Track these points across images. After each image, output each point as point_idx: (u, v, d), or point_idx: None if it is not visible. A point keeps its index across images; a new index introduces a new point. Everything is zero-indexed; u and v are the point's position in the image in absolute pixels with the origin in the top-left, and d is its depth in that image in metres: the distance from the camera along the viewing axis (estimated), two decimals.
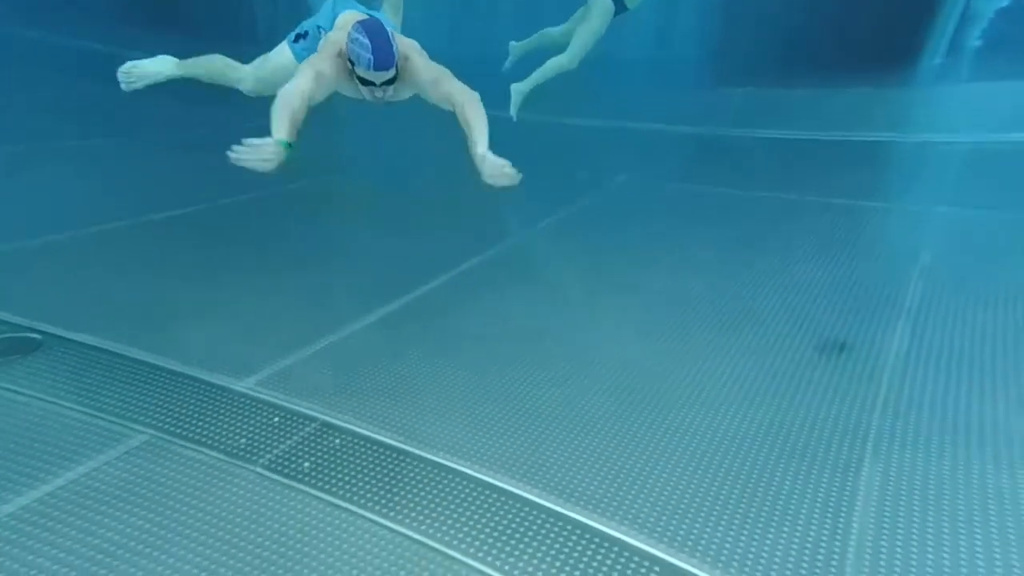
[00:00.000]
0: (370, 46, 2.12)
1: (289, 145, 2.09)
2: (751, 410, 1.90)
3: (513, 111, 4.51)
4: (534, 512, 1.49)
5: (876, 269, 2.86)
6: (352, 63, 2.20)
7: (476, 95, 2.34)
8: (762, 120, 5.46)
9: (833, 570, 1.35)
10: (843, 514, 1.51)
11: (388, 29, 2.26)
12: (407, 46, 2.36)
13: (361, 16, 2.45)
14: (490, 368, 2.07)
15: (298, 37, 2.67)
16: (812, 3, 6.61)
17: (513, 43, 4.98)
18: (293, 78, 2.23)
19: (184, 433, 1.70)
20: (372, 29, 2.17)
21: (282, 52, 2.70)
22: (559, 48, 4.61)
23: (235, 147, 2.01)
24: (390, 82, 2.21)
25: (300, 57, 2.53)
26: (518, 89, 4.50)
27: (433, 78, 2.34)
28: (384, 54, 2.15)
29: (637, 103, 5.94)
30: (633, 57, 6.49)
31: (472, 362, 2.10)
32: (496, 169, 2.17)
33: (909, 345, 2.26)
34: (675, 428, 1.81)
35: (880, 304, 2.53)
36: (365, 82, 2.22)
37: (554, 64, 4.50)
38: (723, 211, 3.68)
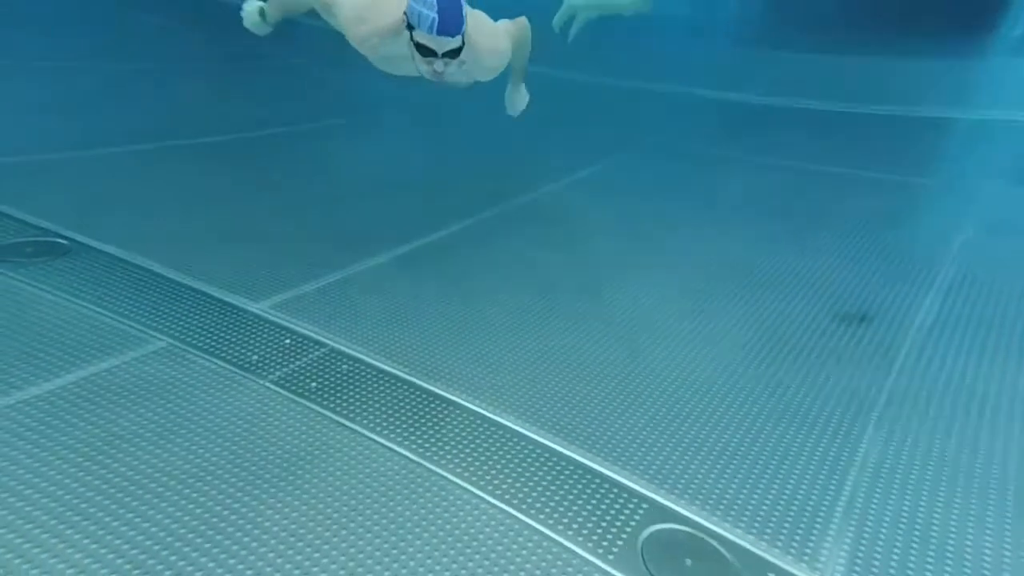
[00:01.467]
0: (435, 4, 1.74)
1: (264, 17, 2.16)
2: (760, 369, 1.91)
3: (557, 22, 4.30)
4: (524, 443, 1.53)
5: (914, 243, 2.81)
6: (410, 26, 1.78)
7: (519, 24, 2.12)
8: (809, 89, 5.21)
9: (820, 520, 1.38)
10: (838, 471, 1.52)
11: None
12: (477, 19, 1.96)
13: None
14: (499, 310, 2.10)
15: None
16: None
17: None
18: None
19: (200, 344, 1.76)
20: None
21: None
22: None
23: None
24: (454, 53, 1.80)
25: None
26: (574, 3, 4.28)
27: (497, 52, 1.99)
28: (452, 15, 1.76)
29: (677, 64, 5.72)
30: (674, 14, 6.18)
31: (481, 304, 2.13)
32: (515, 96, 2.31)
33: (935, 319, 2.23)
34: (682, 381, 1.83)
35: (912, 278, 2.49)
36: (424, 50, 1.79)
37: (621, 4, 4.32)
38: (760, 180, 3.61)
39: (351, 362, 1.79)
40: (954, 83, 5.11)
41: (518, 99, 2.35)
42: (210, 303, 1.97)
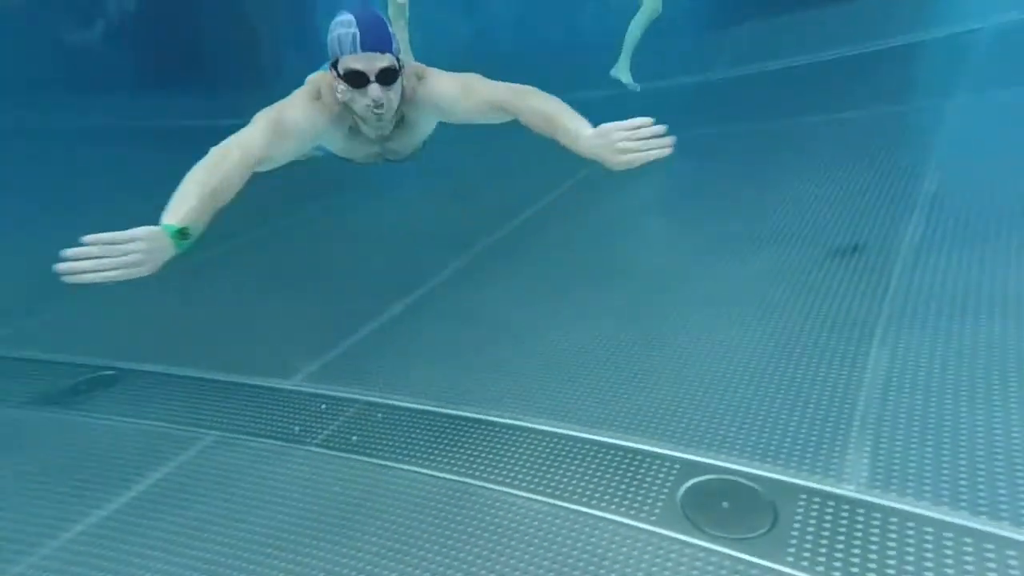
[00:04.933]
0: (353, 20, 1.57)
1: (183, 233, 1.38)
2: (762, 314, 1.99)
3: (633, 85, 4.55)
4: (555, 440, 1.64)
5: (892, 170, 2.85)
6: (336, 68, 1.60)
7: (530, 86, 1.74)
8: (769, 51, 5.32)
9: (840, 438, 1.44)
10: (850, 392, 1.59)
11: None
12: (416, 65, 1.84)
13: None
14: (509, 322, 2.23)
15: None
16: None
17: (612, 73, 4.76)
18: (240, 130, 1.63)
19: (246, 429, 1.92)
20: (354, 8, 1.63)
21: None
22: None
23: (74, 250, 1.24)
24: (389, 79, 1.59)
25: None
26: (619, 69, 4.52)
27: (462, 86, 1.76)
28: (374, 26, 1.58)
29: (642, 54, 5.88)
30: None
31: (491, 321, 2.26)
32: (627, 136, 1.50)
33: (922, 236, 2.28)
34: (689, 342, 1.94)
35: (896, 202, 2.55)
36: (356, 80, 1.57)
37: (637, 23, 4.46)
38: (730, 146, 3.71)
39: (384, 410, 1.92)
40: (890, 12, 5.18)
41: (622, 136, 1.52)
42: (249, 391, 2.13)
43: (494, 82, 1.77)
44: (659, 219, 3.00)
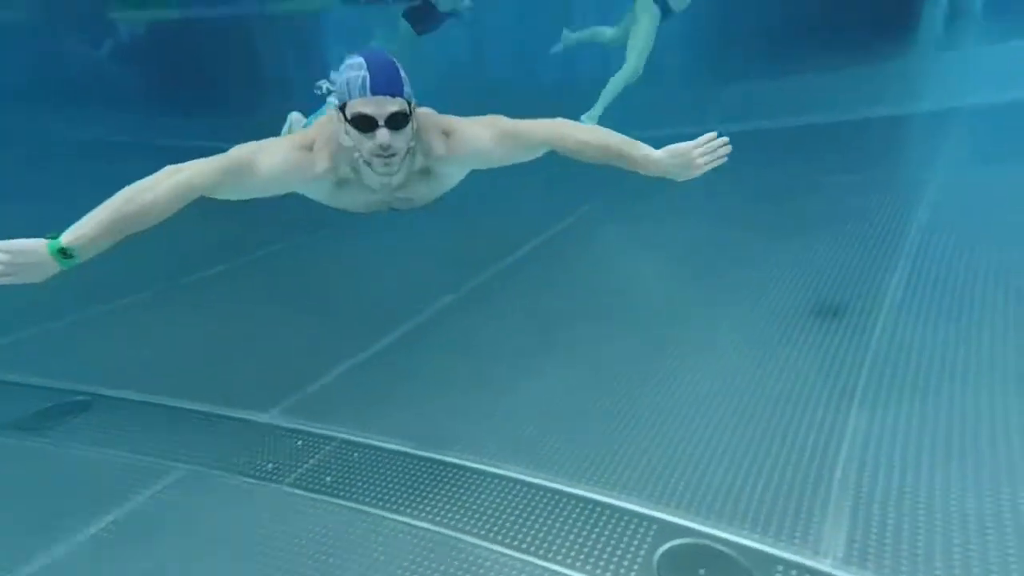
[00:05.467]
0: (364, 63, 1.49)
1: (66, 253, 1.38)
2: (742, 371, 1.99)
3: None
4: (532, 491, 1.61)
5: (875, 233, 2.89)
6: (342, 110, 1.52)
7: (559, 119, 1.76)
8: (756, 112, 5.52)
9: (818, 506, 1.43)
10: (829, 457, 1.58)
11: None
12: (439, 117, 1.74)
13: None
14: (492, 367, 2.21)
15: None
16: None
17: (566, 31, 4.99)
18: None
19: (218, 463, 1.87)
20: (364, 51, 1.56)
21: None
22: (604, 49, 4.71)
23: None
24: (399, 123, 1.50)
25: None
26: (590, 116, 4.56)
27: (494, 132, 1.69)
28: (386, 69, 1.50)
29: (632, 106, 6.04)
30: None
31: (475, 363, 2.24)
32: (703, 151, 1.67)
33: (902, 298, 2.31)
34: (669, 397, 1.92)
35: (878, 264, 2.58)
36: (364, 124, 1.49)
37: (618, 80, 4.55)
38: (724, 198, 3.76)
39: (361, 449, 1.88)
40: (883, 83, 5.43)
41: (661, 168, 1.71)
42: (224, 422, 2.09)
43: (522, 121, 1.73)
44: (649, 264, 3.02)
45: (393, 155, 1.53)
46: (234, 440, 1.99)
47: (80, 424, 2.13)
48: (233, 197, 1.64)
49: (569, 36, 5.02)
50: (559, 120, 1.75)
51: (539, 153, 1.77)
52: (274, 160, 1.60)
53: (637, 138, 1.74)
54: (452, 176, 1.82)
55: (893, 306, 2.27)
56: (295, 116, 2.80)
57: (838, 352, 2.04)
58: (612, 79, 4.59)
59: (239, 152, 1.60)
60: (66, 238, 1.40)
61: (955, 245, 2.66)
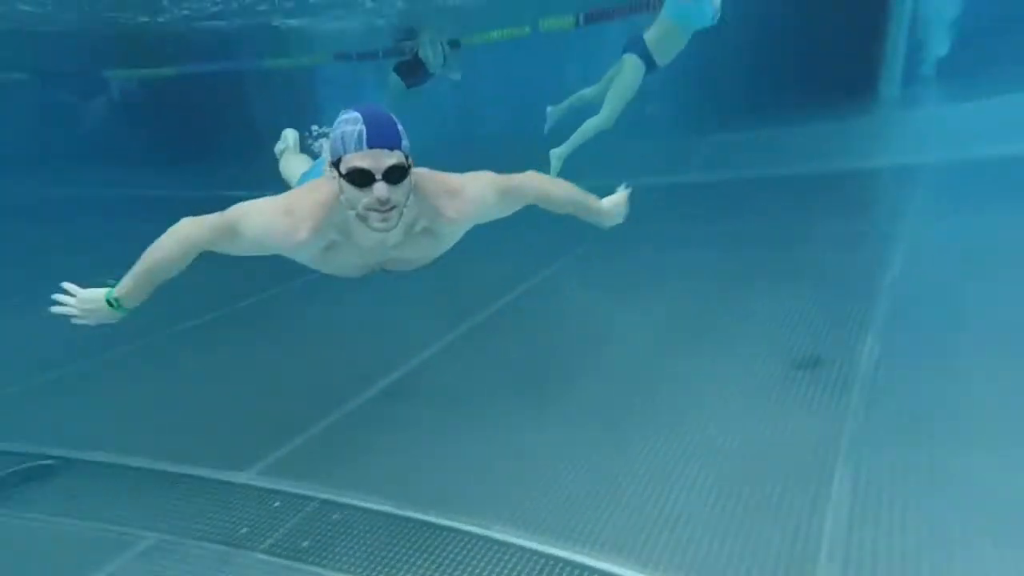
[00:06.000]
0: (360, 116, 1.43)
1: (117, 302, 1.62)
2: (725, 429, 1.91)
3: (554, 165, 4.61)
4: (519, 554, 1.51)
5: (845, 287, 2.87)
6: (337, 166, 1.46)
7: (532, 172, 1.82)
8: (733, 161, 5.74)
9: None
10: (815, 529, 1.50)
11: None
12: (440, 176, 1.67)
13: None
14: (473, 423, 2.12)
15: None
16: (771, 46, 7.11)
17: (549, 108, 5.04)
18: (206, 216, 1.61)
19: (188, 530, 1.75)
20: (360, 106, 1.50)
21: None
22: (594, 109, 4.67)
23: (60, 295, 1.63)
24: (397, 177, 1.44)
25: None
26: (557, 154, 4.57)
27: (496, 189, 1.69)
28: (383, 122, 1.45)
29: (615, 157, 6.20)
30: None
31: (456, 420, 2.15)
32: (622, 205, 2.03)
33: (880, 353, 2.26)
34: (653, 459, 1.84)
35: (854, 318, 2.54)
36: (360, 179, 1.42)
37: (591, 125, 4.56)
38: (688, 253, 3.75)
39: (342, 510, 1.77)
40: (847, 139, 5.65)
41: (610, 217, 2.00)
42: (197, 483, 1.97)
43: (513, 177, 1.75)
44: (627, 315, 2.88)
45: (392, 208, 1.46)
46: (208, 503, 1.87)
47: (43, 491, 2.01)
48: (233, 253, 1.64)
49: (554, 111, 5.04)
50: (536, 174, 1.83)
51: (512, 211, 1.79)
52: (256, 224, 1.57)
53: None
54: (454, 235, 1.74)
55: (872, 359, 2.22)
56: (290, 133, 2.77)
57: (820, 404, 1.99)
58: (587, 122, 4.60)
59: (231, 213, 1.59)
60: (116, 290, 1.63)
61: (930, 294, 2.66)
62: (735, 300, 2.89)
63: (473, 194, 1.65)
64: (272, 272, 3.79)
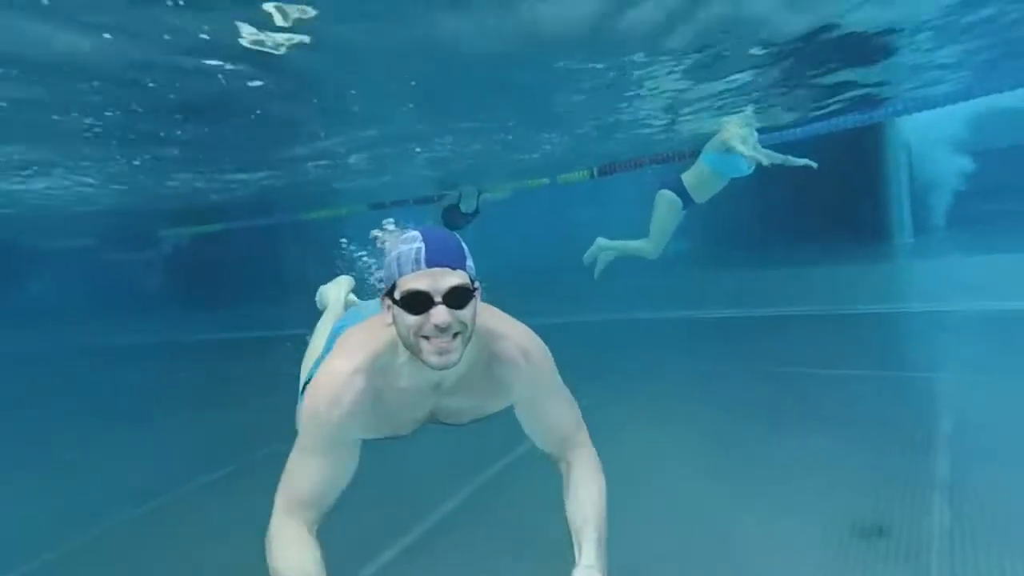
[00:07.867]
0: (419, 235, 1.28)
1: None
2: None
3: (587, 258, 4.84)
4: None
5: (896, 440, 2.63)
6: (391, 295, 1.28)
7: (593, 449, 1.56)
8: (752, 299, 5.90)
9: None
10: None
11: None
12: (514, 325, 1.51)
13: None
14: None
15: None
16: (790, 196, 7.63)
17: (600, 239, 5.10)
18: (284, 474, 1.40)
19: None
20: (419, 226, 1.36)
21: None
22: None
23: None
24: (461, 301, 1.25)
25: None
26: (602, 244, 4.78)
27: (555, 390, 1.52)
28: (444, 240, 1.29)
29: (638, 293, 6.34)
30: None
31: None
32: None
33: (951, 523, 2.00)
34: None
35: (915, 478, 2.29)
36: (417, 304, 1.24)
37: (637, 245, 4.77)
38: (725, 387, 3.61)
39: None
40: (862, 284, 5.88)
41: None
42: None
43: (575, 410, 1.57)
44: (648, 474, 2.57)
45: (455, 335, 1.25)
46: None
47: None
48: (338, 479, 1.42)
49: (603, 254, 5.00)
50: (592, 449, 1.57)
51: (549, 448, 1.58)
52: (333, 407, 1.34)
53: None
54: (510, 391, 1.47)
55: (944, 526, 1.96)
56: (344, 280, 2.52)
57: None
58: (635, 241, 4.75)
59: (302, 438, 1.39)
60: None
61: (992, 457, 2.38)
62: (773, 446, 2.69)
63: (539, 357, 1.46)
64: (239, 440, 3.57)
